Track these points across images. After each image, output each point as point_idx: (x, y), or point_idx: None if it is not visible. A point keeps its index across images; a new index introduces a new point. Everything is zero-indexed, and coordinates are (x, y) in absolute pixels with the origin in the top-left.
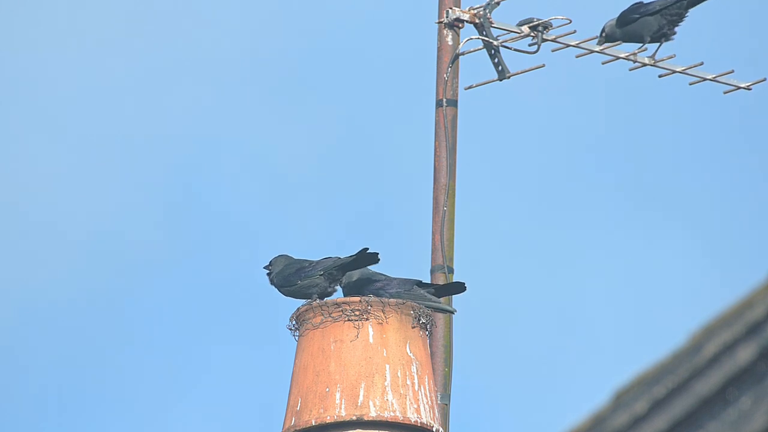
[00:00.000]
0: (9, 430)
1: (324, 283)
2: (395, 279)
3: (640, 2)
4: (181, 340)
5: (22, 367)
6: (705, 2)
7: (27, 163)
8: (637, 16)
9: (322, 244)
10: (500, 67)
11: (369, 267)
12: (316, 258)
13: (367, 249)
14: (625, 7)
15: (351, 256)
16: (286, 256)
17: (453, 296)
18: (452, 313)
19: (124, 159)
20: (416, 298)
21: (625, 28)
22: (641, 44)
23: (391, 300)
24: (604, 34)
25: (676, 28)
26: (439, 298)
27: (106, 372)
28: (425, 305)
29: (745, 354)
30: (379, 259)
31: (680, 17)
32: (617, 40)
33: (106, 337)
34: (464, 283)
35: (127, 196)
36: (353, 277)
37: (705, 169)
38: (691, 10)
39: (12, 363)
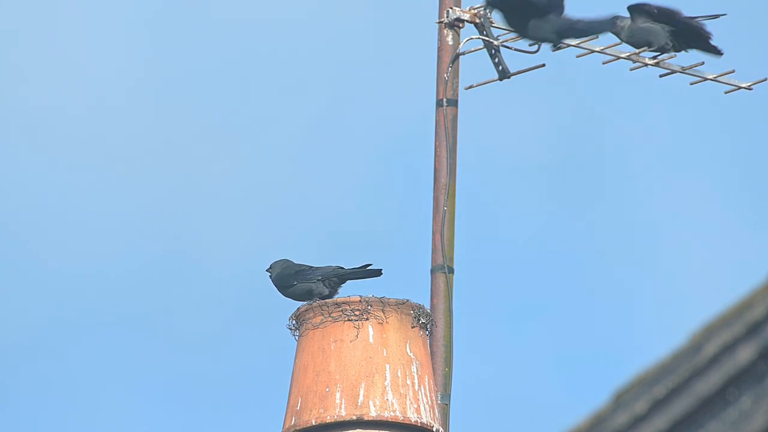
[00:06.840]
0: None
1: (321, 288)
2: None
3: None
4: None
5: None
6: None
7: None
8: (650, 24)
9: (324, 248)
10: (500, 67)
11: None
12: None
13: (371, 264)
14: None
15: (353, 268)
16: (285, 259)
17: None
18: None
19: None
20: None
21: (636, 32)
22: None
23: (392, 300)
24: (621, 26)
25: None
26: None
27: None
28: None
29: (745, 354)
30: (381, 274)
31: (682, 48)
32: (622, 40)
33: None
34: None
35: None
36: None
37: (704, 169)
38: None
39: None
